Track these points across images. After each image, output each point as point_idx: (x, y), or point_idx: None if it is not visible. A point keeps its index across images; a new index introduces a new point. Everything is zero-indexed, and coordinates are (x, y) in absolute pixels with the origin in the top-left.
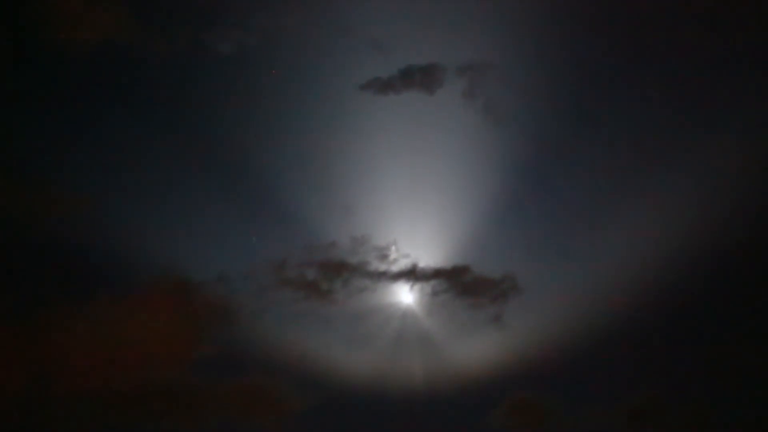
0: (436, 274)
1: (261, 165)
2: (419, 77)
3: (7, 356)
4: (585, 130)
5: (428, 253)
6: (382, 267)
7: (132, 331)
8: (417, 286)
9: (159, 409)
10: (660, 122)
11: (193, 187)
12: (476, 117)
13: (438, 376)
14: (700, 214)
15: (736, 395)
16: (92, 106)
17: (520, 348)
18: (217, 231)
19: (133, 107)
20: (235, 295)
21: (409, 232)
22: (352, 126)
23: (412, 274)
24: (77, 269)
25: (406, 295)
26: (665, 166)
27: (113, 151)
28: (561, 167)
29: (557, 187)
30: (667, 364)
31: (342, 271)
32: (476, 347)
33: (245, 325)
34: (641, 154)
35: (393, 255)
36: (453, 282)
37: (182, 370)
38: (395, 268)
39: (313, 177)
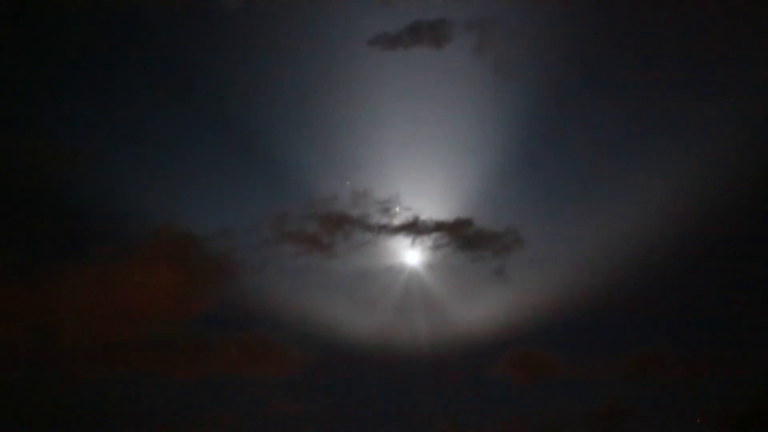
0: (438, 227)
1: (263, 119)
2: (427, 32)
3: (10, 310)
4: (595, 87)
5: (430, 207)
6: (384, 220)
7: (133, 284)
8: (418, 240)
9: (160, 362)
10: (673, 79)
11: (194, 141)
12: (485, 72)
13: (439, 331)
14: (711, 172)
15: (738, 349)
16: (93, 59)
17: (523, 302)
18: (218, 185)
19: (136, 61)
20: (236, 250)
21: (411, 186)
22: (359, 80)
23: (413, 227)
24: (78, 223)
25: (407, 251)
26: (677, 124)
27: (114, 105)
28: (569, 123)
29: (564, 142)
30: (670, 317)
31: (343, 225)
32: (478, 301)
33: (246, 280)
34: (653, 111)
35: (395, 208)
36: (455, 235)
37: (184, 323)
38: (397, 221)
39: (317, 131)
